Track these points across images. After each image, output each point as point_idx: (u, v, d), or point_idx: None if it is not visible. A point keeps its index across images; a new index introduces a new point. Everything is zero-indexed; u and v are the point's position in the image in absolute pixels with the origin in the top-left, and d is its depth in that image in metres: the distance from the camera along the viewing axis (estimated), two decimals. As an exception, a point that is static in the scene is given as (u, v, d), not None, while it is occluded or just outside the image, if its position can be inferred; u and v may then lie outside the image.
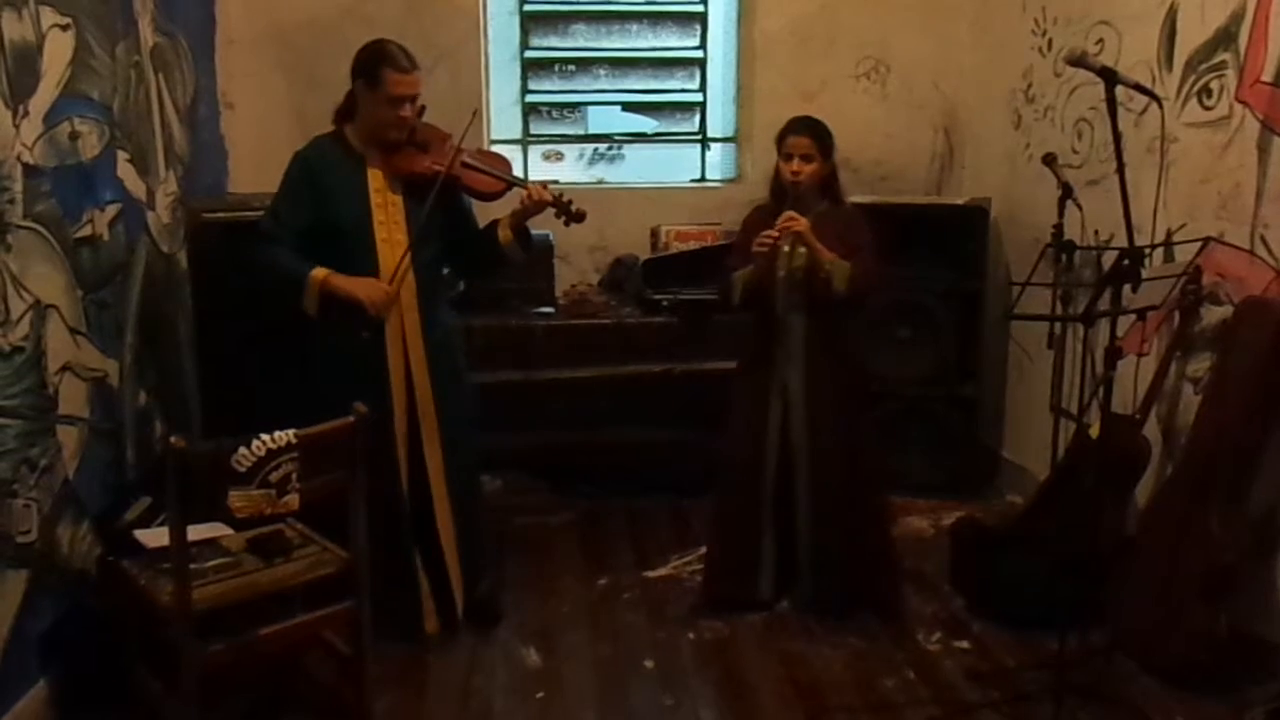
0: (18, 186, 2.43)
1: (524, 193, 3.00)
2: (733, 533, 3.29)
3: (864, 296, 3.07)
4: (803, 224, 2.94)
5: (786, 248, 3.04)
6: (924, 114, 4.56)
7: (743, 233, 3.23)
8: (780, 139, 3.10)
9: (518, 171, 3.86)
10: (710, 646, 3.09)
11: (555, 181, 4.25)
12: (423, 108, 2.96)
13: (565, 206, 3.00)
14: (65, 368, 2.64)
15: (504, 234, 3.05)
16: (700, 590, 3.37)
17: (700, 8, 4.55)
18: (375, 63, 2.86)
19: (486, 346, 3.69)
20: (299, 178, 2.93)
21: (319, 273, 2.83)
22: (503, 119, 4.47)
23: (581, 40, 4.54)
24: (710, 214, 4.40)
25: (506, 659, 3.01)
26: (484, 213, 3.16)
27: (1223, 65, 2.97)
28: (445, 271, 3.21)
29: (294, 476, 2.30)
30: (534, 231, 3.18)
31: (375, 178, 2.95)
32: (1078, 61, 2.52)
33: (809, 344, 3.11)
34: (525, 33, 4.48)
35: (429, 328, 3.00)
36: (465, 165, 3.00)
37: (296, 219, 2.89)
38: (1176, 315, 3.09)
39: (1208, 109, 3.03)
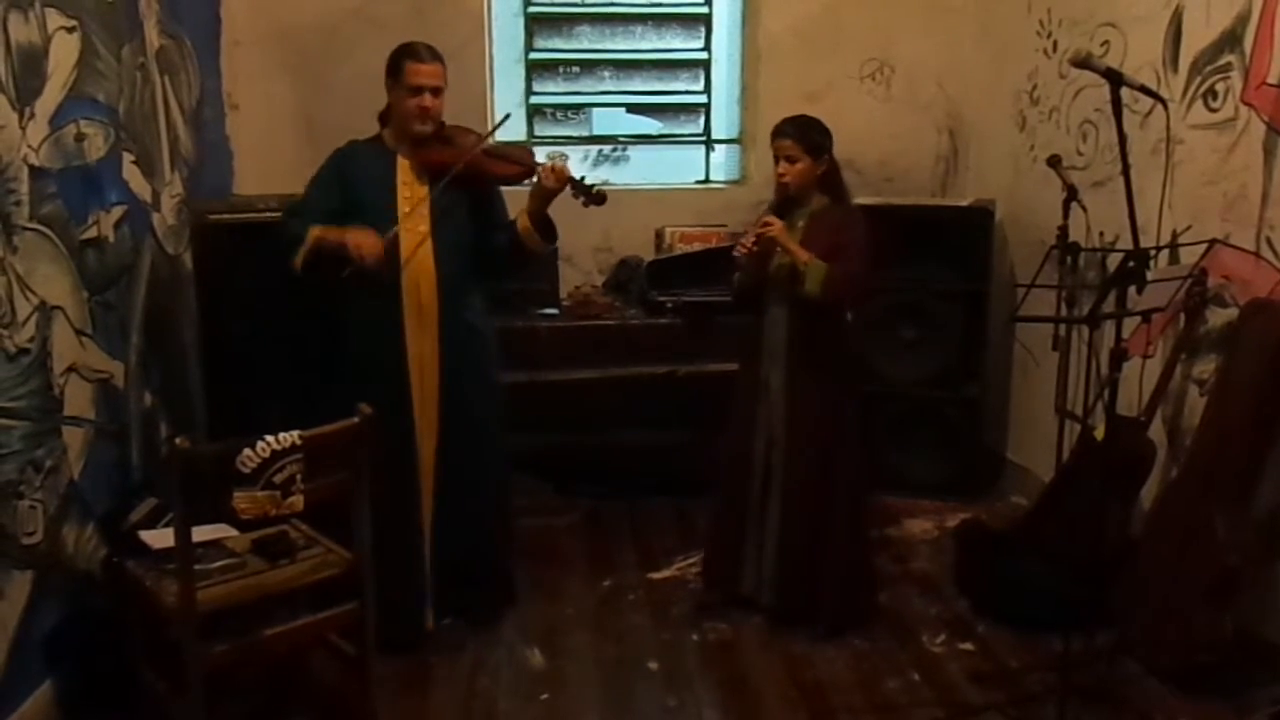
0: (24, 188, 2.43)
1: (540, 172, 2.99)
2: (721, 531, 3.31)
3: (841, 300, 3.05)
4: (776, 228, 2.96)
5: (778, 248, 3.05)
6: (928, 115, 4.56)
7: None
8: (771, 142, 3.11)
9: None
10: (714, 648, 3.09)
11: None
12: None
13: (583, 187, 2.98)
14: (71, 369, 2.65)
15: (522, 222, 3.04)
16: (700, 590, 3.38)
17: (705, 9, 4.55)
18: (398, 57, 2.97)
19: (491, 347, 3.69)
20: (331, 168, 3.02)
21: (314, 232, 2.86)
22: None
23: (586, 42, 4.54)
24: (715, 215, 4.40)
25: (511, 660, 3.02)
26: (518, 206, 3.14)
27: (1228, 67, 2.96)
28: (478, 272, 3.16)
29: (298, 478, 2.30)
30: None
31: (403, 169, 3.01)
32: (1083, 63, 2.52)
33: (792, 343, 3.11)
34: (530, 34, 4.48)
35: (448, 325, 3.00)
36: (486, 153, 3.02)
37: (322, 201, 2.95)
38: (1182, 317, 3.09)
39: (1213, 111, 3.03)
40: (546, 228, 3.07)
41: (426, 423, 3.03)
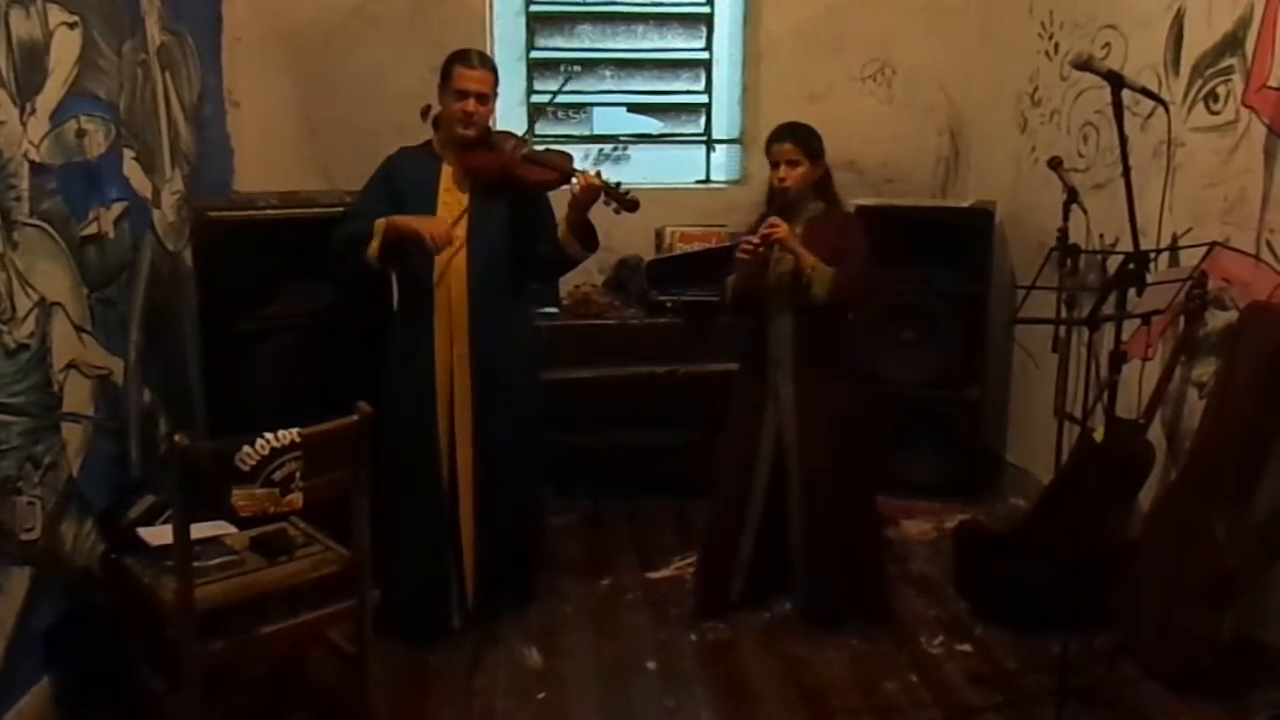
0: (24, 184, 2.43)
1: (574, 182, 3.00)
2: (716, 536, 3.30)
3: (847, 302, 3.06)
4: (783, 230, 2.94)
5: (776, 253, 3.04)
6: (930, 117, 4.56)
7: (745, 236, 3.24)
8: (767, 147, 3.11)
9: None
10: (712, 648, 3.09)
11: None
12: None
13: (616, 193, 2.98)
14: (70, 365, 2.65)
15: (562, 229, 3.07)
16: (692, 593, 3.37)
17: (706, 9, 4.55)
18: (449, 62, 3.04)
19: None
20: (380, 174, 3.11)
21: (383, 219, 2.94)
22: (508, 120, 4.47)
23: (587, 41, 4.55)
24: (715, 215, 4.40)
25: (509, 659, 3.02)
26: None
27: (1229, 70, 2.96)
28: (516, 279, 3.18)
29: (297, 475, 2.30)
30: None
31: (446, 175, 3.06)
32: (1084, 65, 2.52)
33: (798, 349, 3.10)
34: (531, 33, 4.48)
35: (479, 328, 3.02)
36: (524, 159, 3.05)
37: (370, 206, 3.04)
38: (1181, 320, 3.09)
39: (1214, 113, 3.03)
40: (586, 235, 3.08)
41: (462, 428, 3.05)
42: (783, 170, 3.05)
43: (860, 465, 3.19)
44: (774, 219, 2.98)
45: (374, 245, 2.93)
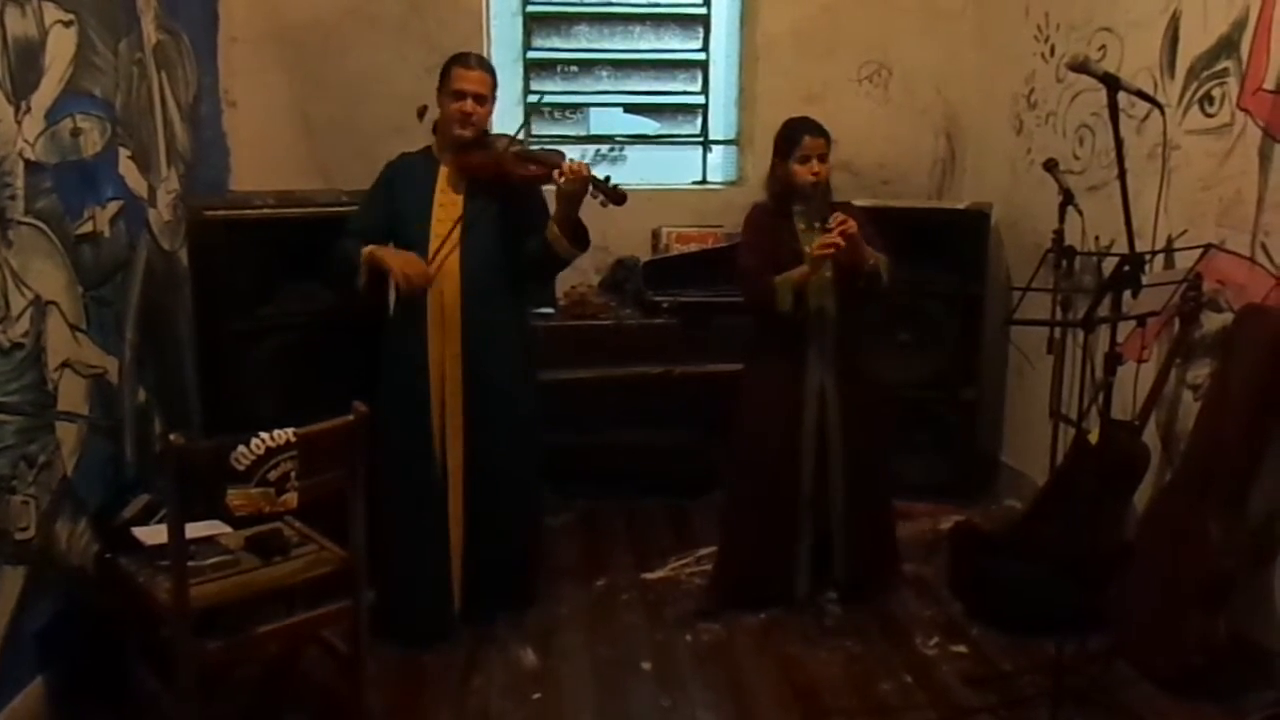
0: (19, 183, 2.43)
1: (560, 173, 2.96)
2: (765, 533, 3.25)
3: (893, 290, 3.16)
4: (853, 225, 2.96)
5: (808, 248, 3.06)
6: (926, 118, 4.57)
7: (752, 233, 3.22)
8: (794, 141, 3.10)
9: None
10: (708, 649, 3.09)
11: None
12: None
13: (603, 186, 2.96)
14: (65, 364, 2.64)
15: (550, 229, 3.05)
16: (712, 591, 3.36)
17: (703, 10, 4.55)
18: (448, 65, 3.07)
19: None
20: (380, 180, 3.15)
21: (367, 249, 2.97)
22: (506, 119, 4.46)
23: (584, 41, 4.54)
24: (711, 216, 4.40)
25: (504, 659, 3.01)
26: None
27: (1225, 73, 2.97)
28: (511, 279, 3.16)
29: (293, 475, 2.30)
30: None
31: (443, 177, 3.07)
32: (1080, 67, 2.52)
33: (840, 345, 3.16)
34: (528, 34, 4.48)
35: (471, 327, 3.02)
36: (516, 156, 3.05)
37: (369, 216, 3.09)
38: (1176, 322, 3.09)
39: (1209, 116, 3.03)
40: (577, 233, 3.06)
41: (453, 428, 3.05)
42: (816, 165, 3.09)
43: (886, 460, 3.35)
44: (841, 214, 2.99)
45: (361, 280, 2.96)
